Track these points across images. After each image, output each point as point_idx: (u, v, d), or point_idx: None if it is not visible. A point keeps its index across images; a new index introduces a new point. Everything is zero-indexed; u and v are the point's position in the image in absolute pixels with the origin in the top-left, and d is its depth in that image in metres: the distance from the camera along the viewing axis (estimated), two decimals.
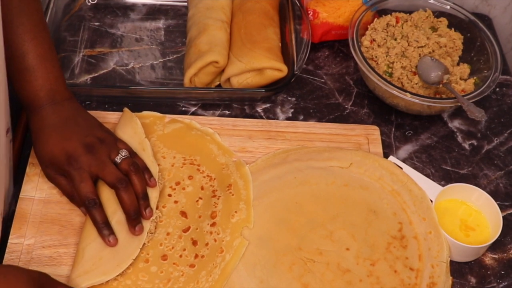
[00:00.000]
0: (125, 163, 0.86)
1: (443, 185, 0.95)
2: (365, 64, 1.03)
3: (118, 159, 0.86)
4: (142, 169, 0.89)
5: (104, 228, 0.84)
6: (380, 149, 1.00)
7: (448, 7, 1.13)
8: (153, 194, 0.88)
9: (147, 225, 0.86)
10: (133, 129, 0.95)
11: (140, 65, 1.12)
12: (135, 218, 0.84)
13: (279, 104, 1.08)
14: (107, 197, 0.86)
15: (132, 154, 0.89)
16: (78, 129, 0.88)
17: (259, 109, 1.06)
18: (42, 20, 0.91)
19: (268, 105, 1.07)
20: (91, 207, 0.84)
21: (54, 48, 0.92)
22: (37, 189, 0.91)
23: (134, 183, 0.85)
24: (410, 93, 0.99)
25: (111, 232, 0.84)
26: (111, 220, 0.85)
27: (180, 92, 1.06)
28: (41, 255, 0.85)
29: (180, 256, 0.85)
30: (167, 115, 1.02)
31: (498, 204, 0.90)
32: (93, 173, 0.85)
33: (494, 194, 0.95)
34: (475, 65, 1.08)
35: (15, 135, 0.97)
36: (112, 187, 0.85)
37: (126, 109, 0.99)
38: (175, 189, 0.92)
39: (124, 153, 0.87)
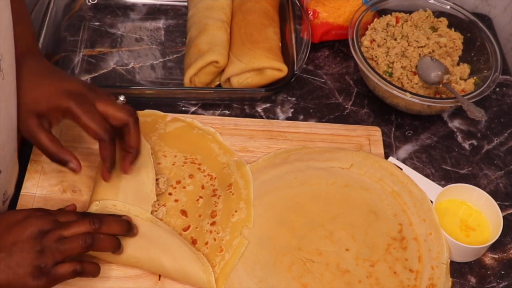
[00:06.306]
0: (128, 108, 0.83)
1: (443, 185, 0.95)
2: (365, 64, 1.02)
3: (120, 102, 0.84)
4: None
5: (108, 161, 0.82)
6: (381, 150, 1.00)
7: (448, 7, 1.13)
8: (149, 176, 0.88)
9: None
10: None
11: (140, 65, 1.12)
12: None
13: (279, 104, 1.08)
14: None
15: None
16: (70, 76, 0.83)
17: (259, 109, 1.06)
18: None
19: (268, 105, 1.07)
20: (107, 140, 0.79)
21: (26, 8, 0.88)
22: (38, 186, 0.91)
23: (131, 135, 0.83)
24: (410, 93, 0.99)
25: (113, 168, 0.83)
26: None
27: (180, 92, 1.06)
28: None
29: None
30: (169, 114, 1.02)
31: (498, 204, 0.90)
32: (98, 110, 0.80)
33: (494, 194, 0.95)
34: (475, 65, 1.08)
35: None
36: (113, 128, 0.81)
37: None
38: (175, 187, 0.92)
39: (122, 97, 0.85)
